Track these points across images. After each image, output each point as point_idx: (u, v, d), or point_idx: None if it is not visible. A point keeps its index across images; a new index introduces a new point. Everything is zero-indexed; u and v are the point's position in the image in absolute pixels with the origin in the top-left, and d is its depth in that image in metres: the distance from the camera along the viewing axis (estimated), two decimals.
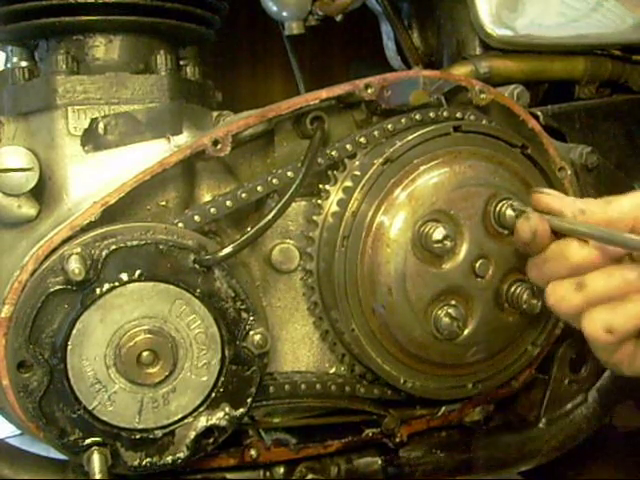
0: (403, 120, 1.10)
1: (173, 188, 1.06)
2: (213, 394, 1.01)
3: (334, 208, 1.08)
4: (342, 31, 1.67)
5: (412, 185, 1.06)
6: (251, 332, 1.00)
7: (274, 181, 1.05)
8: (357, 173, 1.07)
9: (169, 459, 1.00)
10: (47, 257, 0.97)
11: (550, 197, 0.91)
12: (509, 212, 1.02)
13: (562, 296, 0.88)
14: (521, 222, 0.91)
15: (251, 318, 1.00)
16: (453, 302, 1.07)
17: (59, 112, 1.03)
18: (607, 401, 1.37)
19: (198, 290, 0.98)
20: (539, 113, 1.25)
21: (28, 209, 1.04)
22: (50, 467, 1.13)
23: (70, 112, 1.03)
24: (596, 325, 0.84)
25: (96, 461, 0.95)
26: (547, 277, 0.90)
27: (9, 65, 1.14)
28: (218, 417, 1.01)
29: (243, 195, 1.04)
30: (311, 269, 1.10)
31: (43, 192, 1.04)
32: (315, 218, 1.09)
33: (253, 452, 1.12)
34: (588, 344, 0.88)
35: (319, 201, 1.09)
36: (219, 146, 1.03)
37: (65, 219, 1.00)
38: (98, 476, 0.95)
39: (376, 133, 1.10)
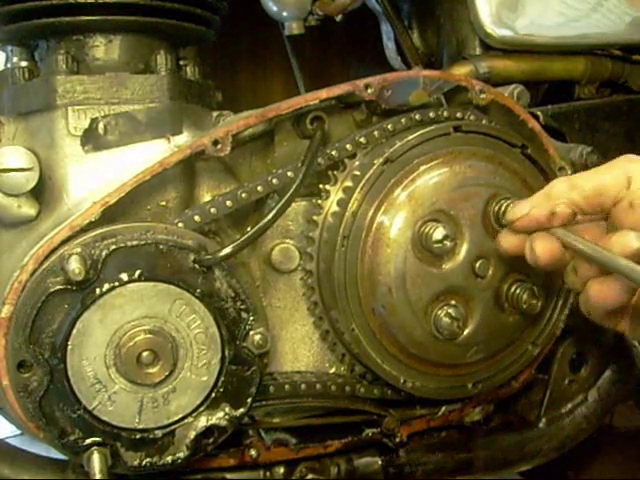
0: (403, 120, 1.10)
1: (173, 188, 1.05)
2: (213, 394, 1.01)
3: (334, 208, 1.08)
4: (342, 31, 1.67)
5: (412, 185, 1.06)
6: (251, 332, 1.00)
7: (274, 181, 1.05)
8: (357, 173, 1.07)
9: (169, 459, 1.00)
10: (47, 257, 0.96)
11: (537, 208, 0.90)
12: None
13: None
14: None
15: (251, 318, 1.01)
16: (453, 302, 1.07)
17: (59, 112, 1.03)
18: (607, 401, 1.37)
19: (198, 290, 0.98)
20: (539, 113, 1.25)
21: (28, 209, 1.04)
22: (50, 467, 1.13)
23: (70, 112, 1.03)
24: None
25: (96, 461, 0.95)
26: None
27: (9, 65, 1.14)
28: (218, 417, 1.01)
29: (243, 195, 1.04)
30: (311, 269, 1.10)
31: (43, 192, 1.04)
32: (315, 218, 1.09)
33: (253, 452, 1.12)
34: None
35: (319, 201, 1.09)
36: (219, 146, 1.03)
37: (65, 219, 1.00)
38: (98, 476, 0.95)
39: (376, 133, 1.09)
